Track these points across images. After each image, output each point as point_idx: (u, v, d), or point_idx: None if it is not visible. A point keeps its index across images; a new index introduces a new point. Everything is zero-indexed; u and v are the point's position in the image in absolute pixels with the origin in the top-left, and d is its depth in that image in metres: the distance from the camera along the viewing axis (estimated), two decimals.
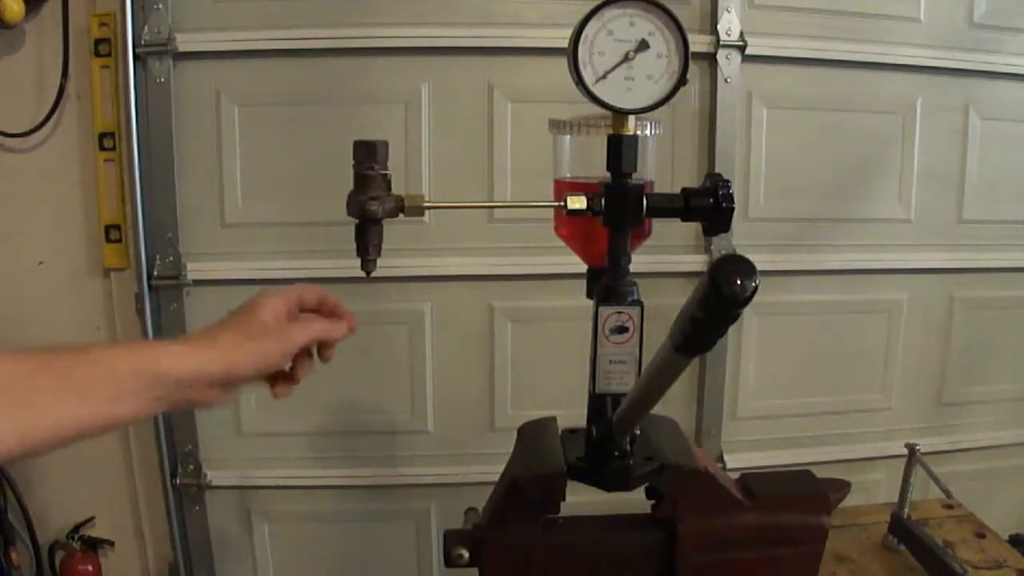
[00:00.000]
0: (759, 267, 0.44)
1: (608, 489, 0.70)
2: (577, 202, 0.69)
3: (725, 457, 1.69)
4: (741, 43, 1.52)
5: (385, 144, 0.69)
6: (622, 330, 0.69)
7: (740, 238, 1.60)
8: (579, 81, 0.67)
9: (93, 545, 1.62)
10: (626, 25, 0.66)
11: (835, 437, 1.75)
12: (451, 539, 0.72)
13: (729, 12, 1.51)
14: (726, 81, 1.54)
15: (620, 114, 0.68)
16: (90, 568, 1.61)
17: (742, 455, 1.70)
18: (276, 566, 1.70)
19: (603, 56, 0.67)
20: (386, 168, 0.69)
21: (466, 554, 0.71)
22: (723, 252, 1.57)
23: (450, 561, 0.72)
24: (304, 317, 0.71)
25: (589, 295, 0.75)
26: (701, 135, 1.58)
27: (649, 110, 0.68)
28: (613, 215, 0.69)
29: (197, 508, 1.64)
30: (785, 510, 0.71)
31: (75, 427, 0.56)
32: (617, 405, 0.70)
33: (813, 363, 1.71)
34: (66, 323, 1.55)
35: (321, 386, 1.57)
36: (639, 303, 0.69)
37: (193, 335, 0.65)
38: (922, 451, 1.03)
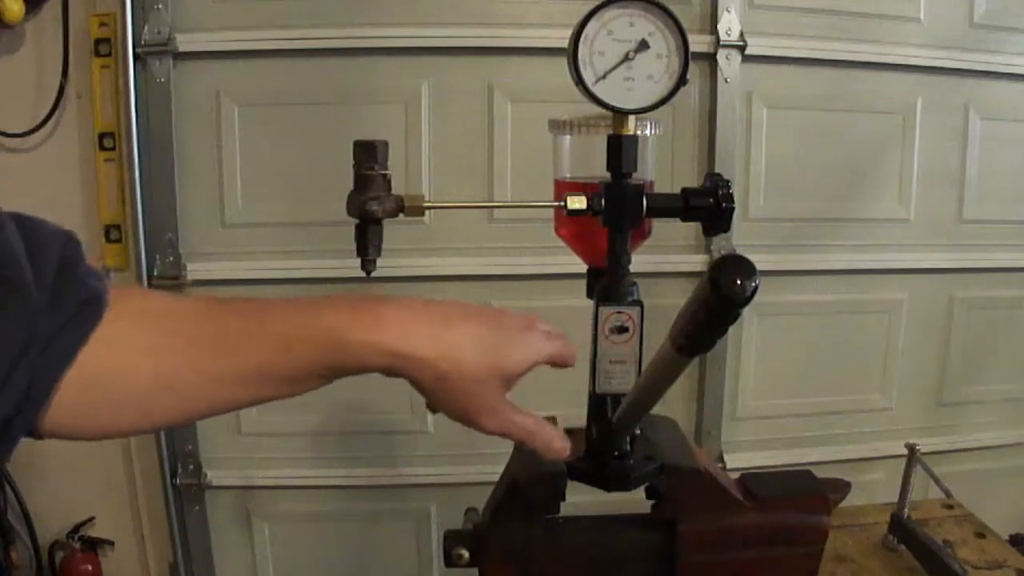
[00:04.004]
0: (759, 267, 0.44)
1: (608, 489, 0.70)
2: (577, 202, 0.68)
3: (725, 457, 1.69)
4: (741, 43, 1.52)
5: (385, 144, 0.68)
6: (622, 330, 0.69)
7: (740, 238, 1.60)
8: (579, 81, 0.67)
9: (93, 545, 1.62)
10: (626, 25, 0.66)
11: (835, 437, 1.75)
12: (451, 539, 0.72)
13: (729, 12, 1.52)
14: (726, 81, 1.54)
15: (620, 114, 0.68)
16: (90, 568, 1.61)
17: (742, 455, 1.70)
18: (276, 566, 1.70)
19: (603, 56, 0.66)
20: (386, 168, 0.69)
21: (466, 554, 0.71)
22: (723, 252, 1.57)
23: (450, 561, 0.72)
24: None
25: (589, 295, 0.75)
26: (701, 135, 1.58)
27: (649, 110, 0.68)
28: (613, 215, 0.69)
29: (197, 508, 1.64)
30: (785, 510, 0.71)
31: (222, 407, 0.51)
32: (617, 405, 0.70)
33: (813, 363, 1.71)
34: None
35: None
36: (639, 303, 0.69)
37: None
38: (922, 451, 1.03)
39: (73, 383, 0.45)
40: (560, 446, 0.58)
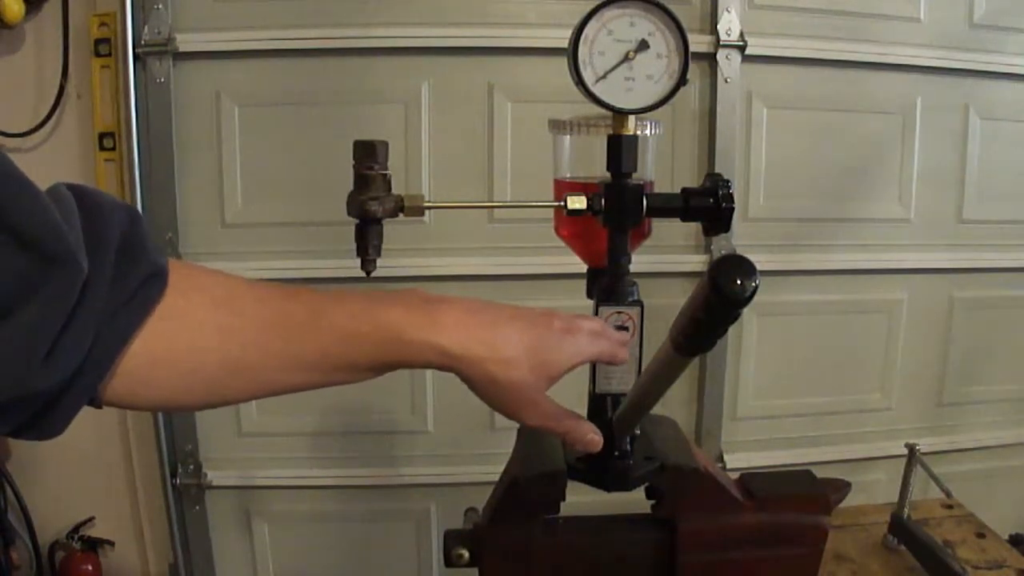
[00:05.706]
0: (759, 267, 0.44)
1: (608, 489, 0.70)
2: (577, 202, 0.69)
3: (725, 457, 1.69)
4: (741, 43, 1.52)
5: (385, 144, 0.69)
6: (622, 330, 0.69)
7: (740, 238, 1.60)
8: (579, 81, 0.67)
9: (93, 545, 1.62)
10: (626, 25, 0.66)
11: (835, 437, 1.75)
12: (451, 539, 0.72)
13: (729, 12, 1.51)
14: (726, 81, 1.54)
15: (620, 114, 0.68)
16: (90, 568, 1.60)
17: (742, 455, 1.70)
18: (276, 566, 1.70)
19: (603, 56, 0.67)
20: (386, 168, 0.69)
21: (466, 554, 0.71)
22: (723, 252, 1.57)
23: (450, 561, 0.72)
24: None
25: (589, 295, 0.75)
26: (701, 135, 1.58)
27: (649, 110, 0.68)
28: (613, 215, 0.69)
29: (197, 508, 1.64)
30: (785, 510, 0.71)
31: (278, 390, 0.54)
32: (617, 405, 0.70)
33: (813, 363, 1.71)
34: None
35: None
36: (639, 303, 0.69)
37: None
38: (922, 451, 1.03)
39: (139, 356, 0.46)
40: (595, 439, 0.62)
